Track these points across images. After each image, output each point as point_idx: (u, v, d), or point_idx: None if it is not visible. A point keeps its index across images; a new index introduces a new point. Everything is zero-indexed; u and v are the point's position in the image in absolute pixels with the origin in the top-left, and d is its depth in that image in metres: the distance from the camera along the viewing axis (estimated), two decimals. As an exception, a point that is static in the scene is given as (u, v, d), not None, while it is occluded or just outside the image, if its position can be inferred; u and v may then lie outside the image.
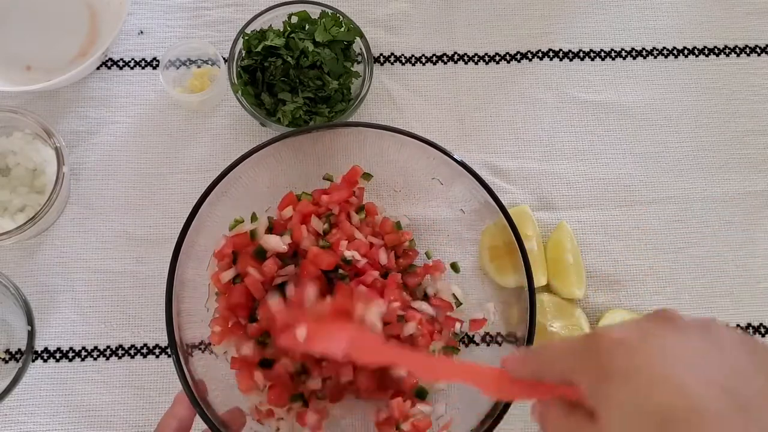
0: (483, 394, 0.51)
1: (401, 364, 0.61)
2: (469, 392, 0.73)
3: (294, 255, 0.75)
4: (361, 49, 0.83)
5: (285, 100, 0.80)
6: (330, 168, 0.79)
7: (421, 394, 0.74)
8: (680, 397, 0.35)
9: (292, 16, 0.83)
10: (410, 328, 0.72)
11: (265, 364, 0.72)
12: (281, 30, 0.82)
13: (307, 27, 0.82)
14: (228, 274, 0.73)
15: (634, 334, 0.39)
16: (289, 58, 0.79)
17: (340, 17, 0.83)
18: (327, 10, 0.83)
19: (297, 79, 0.79)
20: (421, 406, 0.72)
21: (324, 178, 0.79)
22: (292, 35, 0.80)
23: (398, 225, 0.79)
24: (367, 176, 0.79)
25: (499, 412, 0.65)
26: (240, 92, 0.80)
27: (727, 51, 0.92)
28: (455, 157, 0.71)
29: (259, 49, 0.80)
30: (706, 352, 0.38)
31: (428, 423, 0.72)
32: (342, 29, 0.82)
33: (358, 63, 0.84)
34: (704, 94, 0.91)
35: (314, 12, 0.84)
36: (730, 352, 0.38)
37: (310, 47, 0.79)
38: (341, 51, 0.82)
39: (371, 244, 0.75)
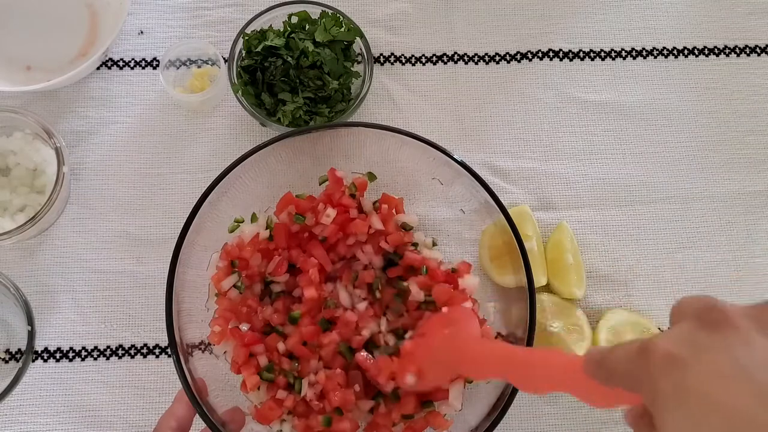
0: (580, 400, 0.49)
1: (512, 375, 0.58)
2: (469, 392, 0.73)
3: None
4: (361, 49, 0.83)
5: (285, 100, 0.79)
6: (329, 167, 0.78)
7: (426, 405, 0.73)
8: (736, 422, 0.31)
9: (292, 17, 0.83)
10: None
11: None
12: (281, 30, 0.82)
13: (307, 27, 0.82)
14: (229, 282, 0.74)
15: (685, 350, 0.35)
16: (289, 58, 0.79)
17: (341, 17, 0.83)
18: (327, 10, 0.83)
19: (297, 79, 0.79)
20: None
21: (319, 183, 0.79)
22: (292, 35, 0.80)
23: (405, 226, 0.78)
24: (371, 176, 0.79)
25: (499, 412, 0.65)
26: (240, 92, 0.80)
27: (727, 51, 0.92)
28: (455, 157, 0.71)
29: (259, 49, 0.80)
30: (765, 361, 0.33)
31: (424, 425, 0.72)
32: (342, 29, 0.82)
33: (358, 63, 0.84)
34: (704, 94, 0.91)
35: (314, 12, 0.84)
36: None
37: (310, 47, 0.79)
38: (341, 51, 0.82)
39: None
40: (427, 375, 0.65)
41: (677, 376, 0.34)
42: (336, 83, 0.80)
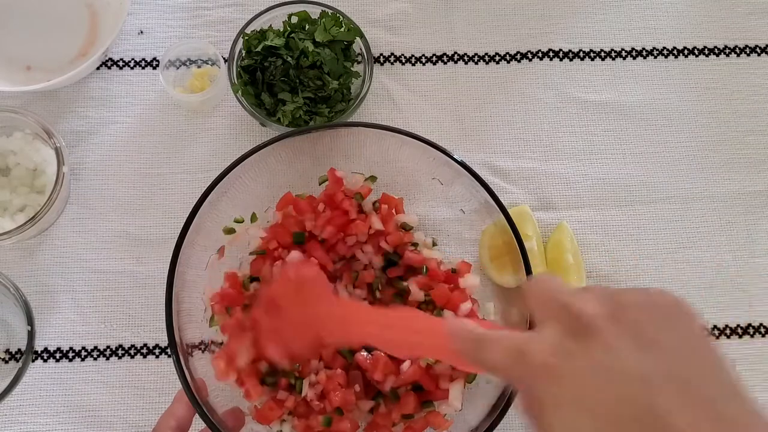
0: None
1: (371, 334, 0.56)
2: (469, 392, 0.73)
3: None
4: (361, 49, 0.83)
5: (285, 100, 0.79)
6: (329, 167, 0.78)
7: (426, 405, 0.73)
8: (602, 422, 0.36)
9: (292, 16, 0.82)
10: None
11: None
12: (281, 30, 0.82)
13: (307, 27, 0.82)
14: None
15: (559, 360, 0.39)
16: (289, 58, 0.78)
17: (340, 17, 0.83)
18: (327, 10, 0.83)
19: (297, 79, 0.79)
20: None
21: (319, 183, 0.79)
22: (292, 35, 0.80)
23: (405, 226, 0.78)
24: (372, 178, 0.79)
25: (499, 412, 0.65)
26: (240, 92, 0.80)
27: (727, 51, 0.92)
28: (455, 156, 0.71)
29: (259, 49, 0.80)
30: (640, 372, 0.37)
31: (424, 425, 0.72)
32: (342, 29, 0.82)
33: (358, 63, 0.84)
34: (704, 94, 0.91)
35: (314, 12, 0.83)
36: (670, 353, 0.37)
37: (310, 47, 0.79)
38: (341, 51, 0.82)
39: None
40: (288, 345, 0.61)
41: (554, 386, 0.39)
42: (336, 83, 0.80)
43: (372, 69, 0.82)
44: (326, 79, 0.79)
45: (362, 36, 0.83)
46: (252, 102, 0.81)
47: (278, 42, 0.79)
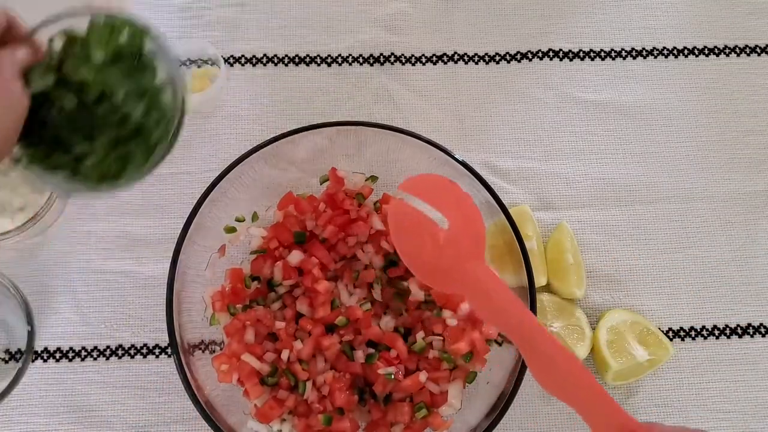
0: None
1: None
2: (469, 392, 0.73)
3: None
4: (159, 50, 0.59)
5: (84, 154, 0.58)
6: (330, 167, 0.78)
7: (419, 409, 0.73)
8: None
9: (53, 41, 0.58)
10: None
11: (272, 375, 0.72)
12: (47, 62, 0.57)
13: (78, 48, 0.57)
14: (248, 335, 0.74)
15: None
16: (67, 101, 0.56)
17: (116, 20, 0.58)
18: (96, 15, 0.58)
19: (88, 123, 0.57)
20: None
21: (320, 182, 0.79)
22: (62, 66, 0.56)
23: None
24: (373, 178, 0.79)
25: (498, 412, 0.65)
26: (24, 165, 0.58)
27: (727, 51, 0.92)
28: (456, 156, 0.71)
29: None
30: None
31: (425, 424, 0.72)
32: (123, 35, 0.58)
33: (158, 68, 0.60)
34: (704, 94, 0.91)
35: (82, 24, 0.58)
36: None
37: (90, 75, 0.56)
38: (134, 61, 0.58)
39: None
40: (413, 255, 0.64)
41: None
42: (140, 108, 0.57)
43: (177, 68, 0.60)
44: (124, 108, 0.57)
45: (152, 35, 0.59)
46: (46, 168, 0.58)
47: (44, 83, 0.56)
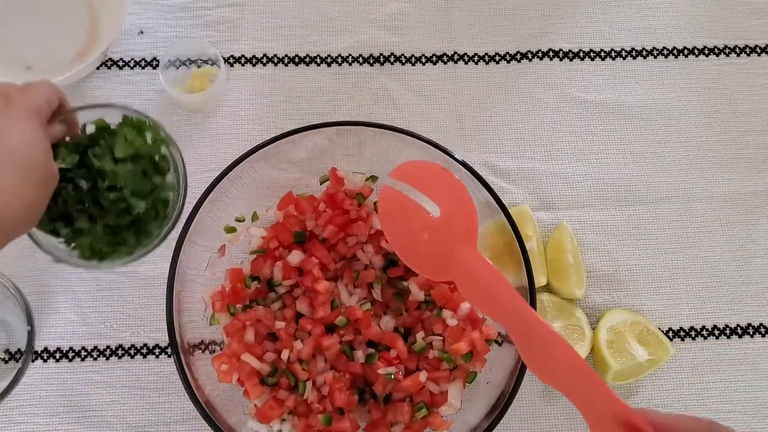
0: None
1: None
2: (469, 392, 0.73)
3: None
4: (173, 158, 0.67)
5: (82, 229, 0.64)
6: (330, 167, 0.78)
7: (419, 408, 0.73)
8: None
9: (87, 126, 0.65)
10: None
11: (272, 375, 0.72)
12: (75, 143, 0.63)
13: (105, 139, 0.64)
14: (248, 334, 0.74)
15: None
16: (83, 183, 0.62)
17: (146, 122, 0.66)
18: (129, 114, 0.66)
19: (95, 206, 0.63)
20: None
21: (320, 182, 0.79)
22: (88, 151, 0.63)
23: None
24: (373, 178, 0.79)
25: (498, 412, 0.65)
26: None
27: (727, 51, 0.92)
28: (456, 156, 0.71)
29: None
30: None
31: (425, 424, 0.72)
32: (145, 139, 0.65)
33: (167, 173, 0.67)
34: (704, 94, 0.91)
35: (114, 118, 0.66)
36: None
37: (108, 166, 0.62)
38: (150, 163, 0.65)
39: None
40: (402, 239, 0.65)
41: None
42: (143, 204, 0.64)
43: (185, 181, 0.67)
44: (131, 201, 0.63)
45: (171, 144, 0.67)
46: (45, 230, 0.64)
47: (70, 161, 0.62)
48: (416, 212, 0.65)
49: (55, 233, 0.64)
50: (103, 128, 0.65)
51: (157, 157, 0.66)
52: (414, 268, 0.66)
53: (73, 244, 0.65)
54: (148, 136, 0.65)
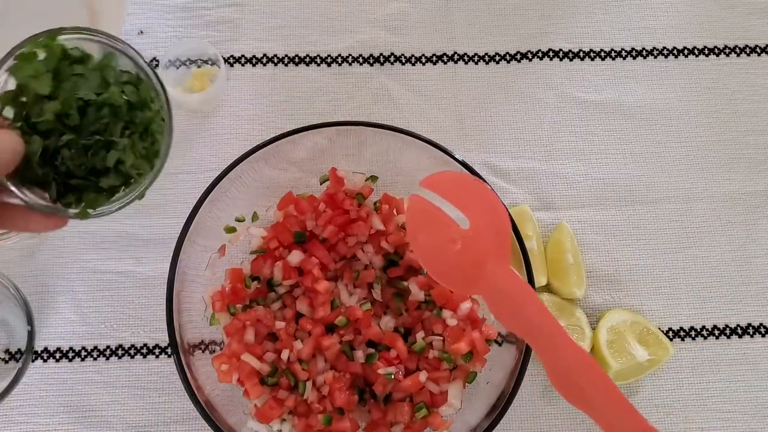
0: None
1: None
2: (469, 392, 0.73)
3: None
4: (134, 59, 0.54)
5: (120, 161, 0.52)
6: (330, 167, 0.79)
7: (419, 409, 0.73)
8: None
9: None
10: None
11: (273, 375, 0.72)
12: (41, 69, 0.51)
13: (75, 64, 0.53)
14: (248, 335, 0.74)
15: None
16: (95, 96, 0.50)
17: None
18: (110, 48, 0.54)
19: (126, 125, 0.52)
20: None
21: (320, 182, 0.79)
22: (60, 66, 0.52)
23: (405, 226, 0.78)
24: (373, 178, 0.79)
25: (498, 412, 0.65)
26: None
27: (727, 51, 0.92)
28: (456, 156, 0.71)
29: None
30: None
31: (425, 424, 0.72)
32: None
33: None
34: (704, 94, 0.91)
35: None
36: None
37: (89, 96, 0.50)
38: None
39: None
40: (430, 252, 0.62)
41: None
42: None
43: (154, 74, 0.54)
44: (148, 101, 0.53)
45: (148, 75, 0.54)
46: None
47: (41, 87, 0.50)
48: (446, 223, 0.62)
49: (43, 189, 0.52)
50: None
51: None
52: (441, 280, 0.64)
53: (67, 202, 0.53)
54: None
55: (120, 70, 0.54)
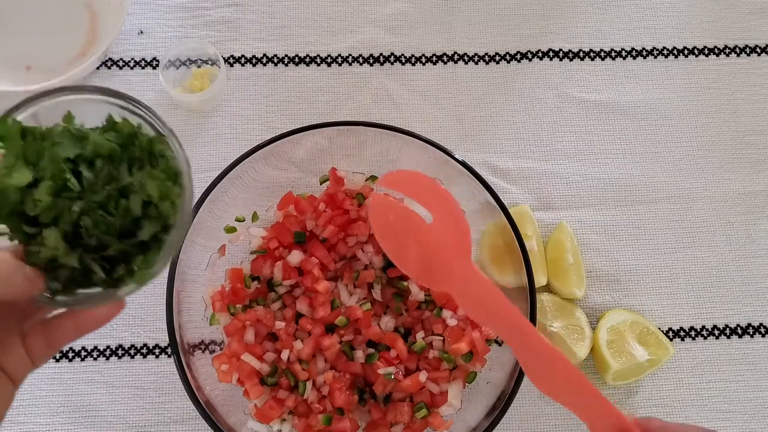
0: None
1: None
2: (469, 392, 0.73)
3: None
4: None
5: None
6: (330, 167, 0.79)
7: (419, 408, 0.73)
8: None
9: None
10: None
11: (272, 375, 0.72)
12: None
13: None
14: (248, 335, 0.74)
15: None
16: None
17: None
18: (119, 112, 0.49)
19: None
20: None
21: (320, 182, 0.79)
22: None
23: None
24: (373, 178, 0.79)
25: (498, 412, 0.65)
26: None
27: (727, 51, 0.92)
28: (456, 156, 0.71)
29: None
30: None
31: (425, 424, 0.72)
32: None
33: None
34: (704, 94, 0.91)
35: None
36: None
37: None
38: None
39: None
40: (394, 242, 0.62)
41: None
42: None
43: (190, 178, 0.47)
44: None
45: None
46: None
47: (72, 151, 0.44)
48: (410, 218, 0.63)
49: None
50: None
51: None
52: (412, 276, 0.64)
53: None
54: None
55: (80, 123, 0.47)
